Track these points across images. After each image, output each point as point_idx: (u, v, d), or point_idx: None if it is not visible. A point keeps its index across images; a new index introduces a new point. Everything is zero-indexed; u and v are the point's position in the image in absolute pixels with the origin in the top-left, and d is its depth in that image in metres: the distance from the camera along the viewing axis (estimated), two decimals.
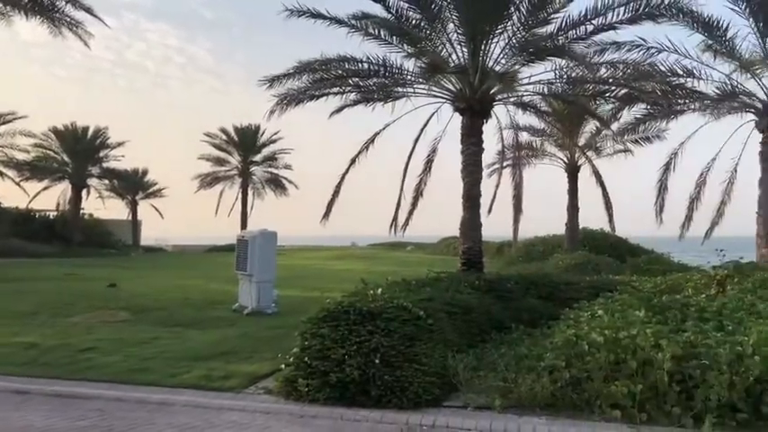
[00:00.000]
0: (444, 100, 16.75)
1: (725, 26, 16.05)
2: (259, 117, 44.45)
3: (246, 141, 48.08)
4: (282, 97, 15.70)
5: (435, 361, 6.34)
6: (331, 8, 14.75)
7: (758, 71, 16.38)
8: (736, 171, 17.54)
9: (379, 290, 7.40)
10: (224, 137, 48.37)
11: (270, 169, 49.58)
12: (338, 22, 14.68)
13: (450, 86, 16.42)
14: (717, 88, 16.55)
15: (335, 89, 16.13)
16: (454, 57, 15.97)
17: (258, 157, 48.98)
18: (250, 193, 48.65)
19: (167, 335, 9.81)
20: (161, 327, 10.61)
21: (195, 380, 7.00)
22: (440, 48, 15.76)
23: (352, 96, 16.54)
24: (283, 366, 6.60)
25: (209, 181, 48.53)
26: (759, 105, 16.14)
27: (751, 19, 15.84)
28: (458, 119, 16.22)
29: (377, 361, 6.02)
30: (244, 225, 44.64)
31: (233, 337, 9.66)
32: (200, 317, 11.81)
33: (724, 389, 5.26)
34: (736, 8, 15.90)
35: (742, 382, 5.29)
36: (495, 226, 21.38)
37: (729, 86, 16.45)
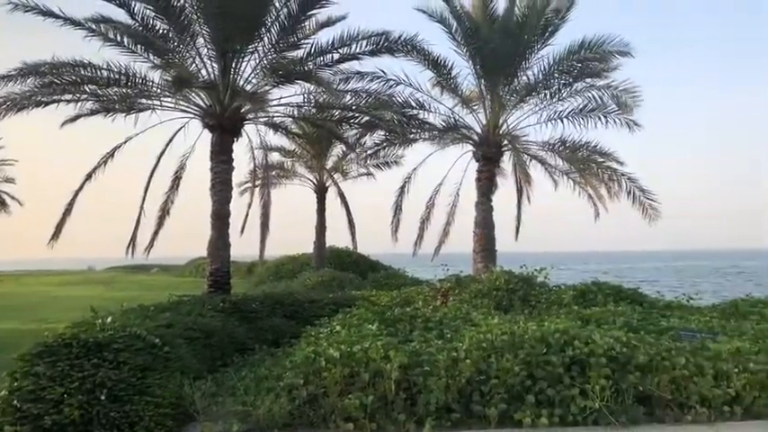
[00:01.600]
0: (193, 115, 16.20)
1: (450, 65, 18.14)
2: None
3: None
4: (1, 102, 13.78)
5: (171, 391, 5.99)
6: (76, 7, 13.36)
7: (476, 107, 18.78)
8: (458, 195, 19.84)
9: (110, 318, 6.78)
10: None
11: None
12: (73, 23, 13.36)
13: (200, 102, 15.95)
14: (443, 120, 18.61)
15: (68, 96, 14.62)
16: (204, 72, 15.56)
17: None
18: None
19: None
20: None
21: None
22: (189, 61, 15.23)
23: (89, 105, 15.16)
24: None
25: None
26: (476, 138, 18.50)
27: (470, 61, 18.13)
28: (208, 136, 15.84)
29: (102, 397, 5.49)
30: None
31: None
32: None
33: (441, 392, 5.83)
34: (459, 51, 18.08)
35: (456, 384, 5.92)
36: (247, 245, 21.19)
37: (453, 120, 18.61)
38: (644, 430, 5.58)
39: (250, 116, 16.94)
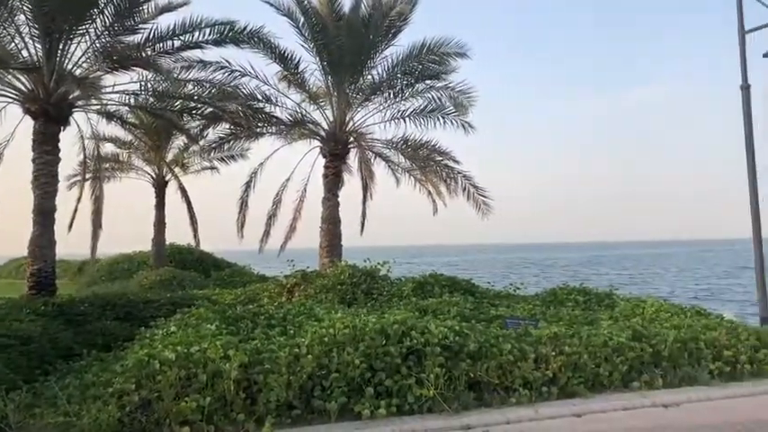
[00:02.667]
0: (12, 100, 14.68)
1: (297, 60, 17.99)
2: None
3: None
4: None
5: None
6: None
7: (323, 103, 18.82)
8: (305, 190, 19.76)
9: None
10: None
11: None
12: None
13: (21, 85, 14.49)
14: (290, 115, 18.41)
15: None
16: (26, 53, 14.16)
17: None
18: None
19: None
20: None
21: None
22: (6, 39, 13.76)
23: None
24: None
25: None
26: (323, 134, 18.55)
27: (317, 57, 18.12)
28: (31, 123, 14.44)
29: None
30: None
31: None
32: None
33: (282, 389, 5.77)
34: (306, 46, 18.00)
35: (297, 380, 5.88)
36: (77, 243, 19.54)
37: (300, 115, 18.49)
38: (473, 414, 5.91)
39: (80, 103, 15.67)
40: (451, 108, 18.44)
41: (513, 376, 6.45)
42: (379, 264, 12.79)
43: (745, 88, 10.29)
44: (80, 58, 14.72)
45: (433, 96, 18.52)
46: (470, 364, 6.40)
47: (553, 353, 6.79)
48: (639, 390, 6.73)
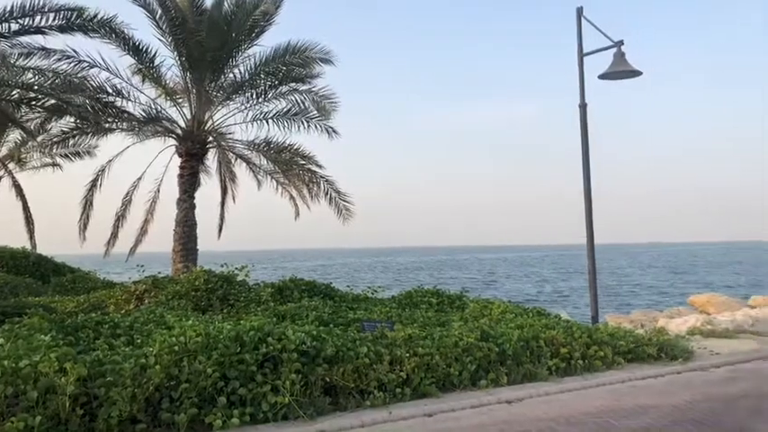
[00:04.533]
0: None
1: (153, 54, 17.09)
2: None
3: None
4: None
5: None
6: None
7: (180, 100, 18.02)
8: (159, 191, 18.78)
9: None
10: None
11: None
12: None
13: None
14: (144, 111, 17.42)
15: None
16: None
17: None
18: None
19: None
20: None
21: None
22: None
23: None
24: None
25: None
26: (180, 132, 17.75)
27: (175, 52, 17.34)
28: None
29: None
30: None
31: None
32: None
33: (126, 403, 5.40)
34: (164, 40, 17.16)
35: (143, 392, 5.54)
36: None
37: (155, 111, 17.56)
38: (328, 419, 5.91)
39: None
40: (315, 112, 18.45)
41: (368, 379, 6.53)
42: (237, 268, 12.44)
43: (583, 106, 11.25)
44: None
45: (296, 99, 18.43)
46: (327, 369, 6.39)
47: (407, 354, 6.97)
48: (486, 387, 7.09)
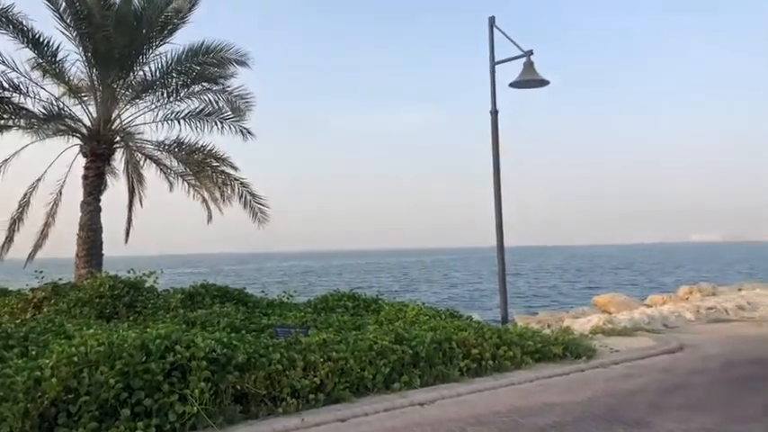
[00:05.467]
0: None
1: (56, 48, 16.17)
2: None
3: None
4: None
5: None
6: None
7: (86, 98, 17.12)
8: (61, 193, 17.70)
9: None
10: None
11: None
12: None
13: None
14: (44, 108, 16.41)
15: None
16: None
17: None
18: None
19: None
20: None
21: None
22: None
23: None
24: None
25: None
26: (84, 131, 16.85)
27: (81, 47, 16.46)
28: None
29: None
30: None
31: None
32: None
33: (18, 419, 5.06)
34: (68, 34, 16.26)
35: (37, 407, 5.21)
36: None
37: (57, 108, 16.58)
38: (238, 428, 5.78)
39: None
40: (229, 112, 18.02)
41: (281, 386, 6.43)
42: (145, 274, 11.95)
43: (494, 113, 11.59)
44: None
45: (210, 99, 17.92)
46: (238, 377, 6.25)
47: (321, 359, 6.92)
48: (400, 390, 7.15)
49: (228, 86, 17.83)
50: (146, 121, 17.75)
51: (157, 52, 17.23)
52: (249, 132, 18.29)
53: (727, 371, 8.53)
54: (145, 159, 18.93)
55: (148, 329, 6.88)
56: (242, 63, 17.72)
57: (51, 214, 17.74)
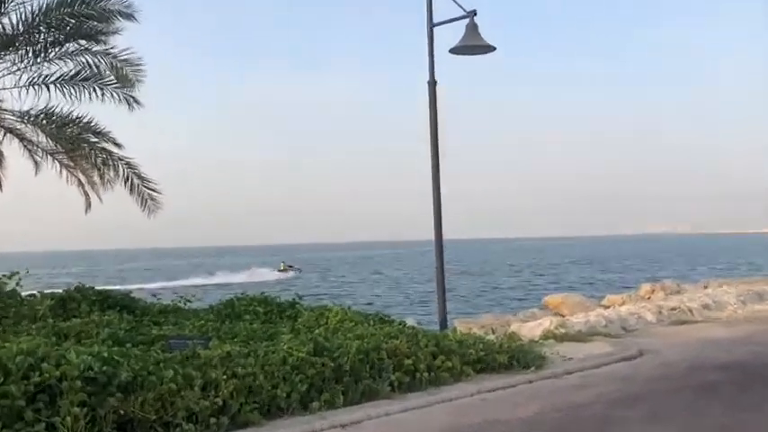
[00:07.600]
0: None
1: None
2: None
3: None
4: None
5: None
6: None
7: None
8: None
9: None
10: None
11: None
12: None
13: None
14: None
15: None
16: None
17: None
18: None
19: None
20: None
21: None
22: None
23: None
24: None
25: None
26: None
27: None
28: None
29: None
30: None
31: None
32: None
33: None
34: None
35: None
36: None
37: None
38: None
39: None
40: (113, 78, 17.41)
41: (175, 408, 6.31)
42: (6, 275, 11.50)
43: (432, 84, 11.70)
44: None
45: (89, 61, 17.23)
46: (122, 399, 6.10)
47: (224, 376, 6.83)
48: (319, 410, 7.16)
49: (112, 49, 17.20)
50: (5, 85, 16.91)
51: (21, 0, 16.44)
52: (136, 101, 17.73)
53: (690, 378, 9.00)
54: (5, 134, 18.05)
55: (8, 344, 6.63)
56: (128, 16, 17.12)
57: None
